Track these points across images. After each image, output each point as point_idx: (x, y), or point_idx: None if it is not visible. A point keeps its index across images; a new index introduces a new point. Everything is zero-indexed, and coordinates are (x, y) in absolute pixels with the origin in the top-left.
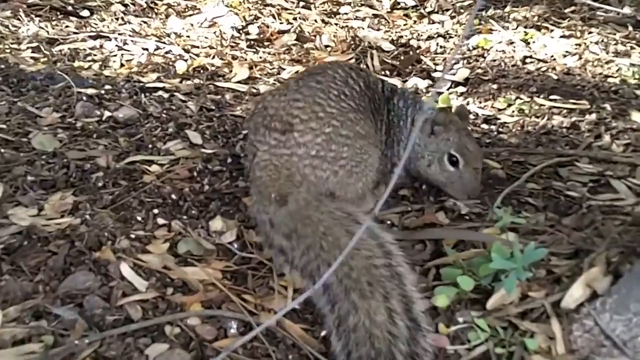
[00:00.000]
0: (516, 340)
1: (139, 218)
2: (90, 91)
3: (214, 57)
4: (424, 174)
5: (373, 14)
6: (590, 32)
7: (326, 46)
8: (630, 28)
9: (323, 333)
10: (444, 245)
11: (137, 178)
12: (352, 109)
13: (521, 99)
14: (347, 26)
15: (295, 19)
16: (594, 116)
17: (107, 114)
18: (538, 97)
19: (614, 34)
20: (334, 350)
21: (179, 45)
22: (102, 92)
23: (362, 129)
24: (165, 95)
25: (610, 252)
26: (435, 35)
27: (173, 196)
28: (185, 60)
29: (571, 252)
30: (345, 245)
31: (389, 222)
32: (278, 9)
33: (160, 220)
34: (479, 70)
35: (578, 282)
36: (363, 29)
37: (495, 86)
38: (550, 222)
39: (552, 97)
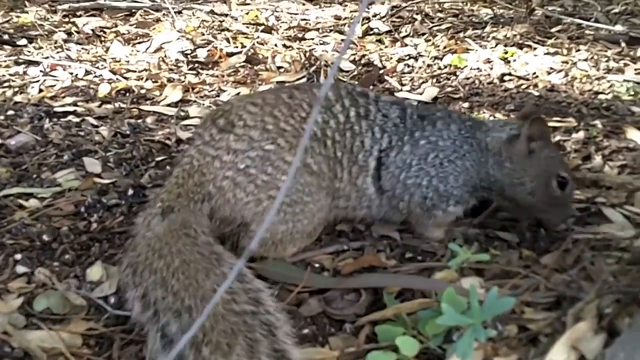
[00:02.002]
0: None
1: None
2: None
3: (146, 80)
4: (522, 203)
5: (342, 39)
6: (578, 50)
7: (279, 67)
8: (624, 44)
9: None
10: (384, 294)
11: (5, 216)
12: (314, 138)
13: (496, 117)
14: (310, 50)
15: (253, 43)
16: (582, 134)
17: None
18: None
19: (605, 51)
20: None
21: (112, 70)
22: (1, 117)
23: (316, 164)
24: (76, 120)
25: (602, 301)
26: (407, 58)
27: (45, 237)
28: (110, 83)
29: (551, 300)
30: (200, 288)
31: (317, 264)
32: (235, 34)
33: (21, 269)
34: (449, 89)
35: (560, 342)
36: (327, 52)
37: (466, 105)
38: (525, 262)
39: None
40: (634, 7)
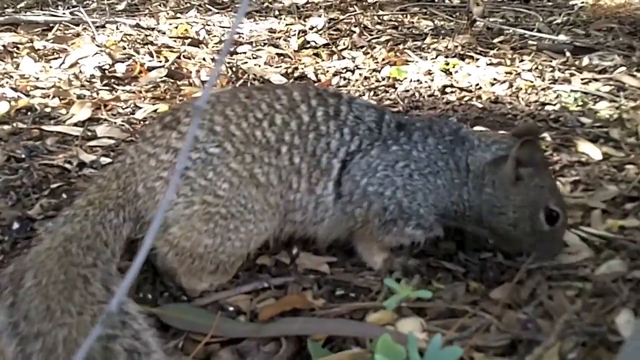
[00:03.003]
0: None
1: None
2: None
3: (52, 98)
4: (503, 234)
5: (277, 53)
6: (522, 60)
7: (203, 82)
8: (568, 54)
9: None
10: (309, 343)
11: None
12: (266, 145)
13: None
14: (239, 63)
15: (179, 57)
16: None
17: None
18: None
19: (550, 61)
20: None
21: (15, 87)
22: None
23: (264, 175)
24: None
25: (564, 344)
26: (343, 70)
27: None
28: (10, 102)
29: (505, 344)
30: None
31: (231, 307)
32: (159, 48)
33: None
34: (388, 102)
35: None
36: (259, 66)
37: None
38: (472, 297)
39: (476, 127)
40: (576, 17)
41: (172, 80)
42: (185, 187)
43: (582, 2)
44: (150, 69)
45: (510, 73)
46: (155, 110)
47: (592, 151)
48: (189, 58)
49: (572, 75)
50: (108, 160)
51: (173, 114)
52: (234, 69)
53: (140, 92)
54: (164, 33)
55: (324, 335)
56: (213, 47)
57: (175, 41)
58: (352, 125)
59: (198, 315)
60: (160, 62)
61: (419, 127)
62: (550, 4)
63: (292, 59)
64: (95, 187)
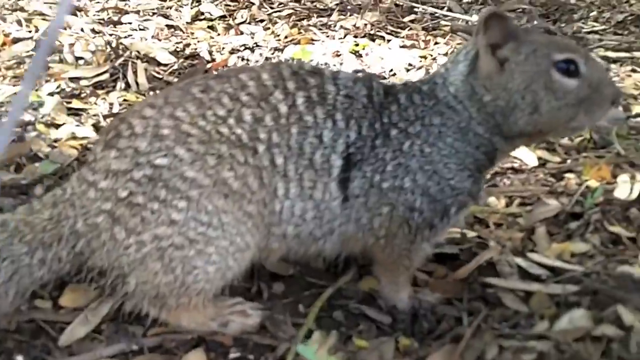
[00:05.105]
0: None
1: None
2: None
3: None
4: (539, 126)
5: (167, 25)
6: (436, 43)
7: (78, 58)
8: None
9: None
10: None
11: None
12: (238, 143)
13: None
14: (119, 37)
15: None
16: None
17: None
18: None
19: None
20: None
21: None
22: None
23: (239, 180)
24: None
25: None
26: (242, 48)
27: None
28: None
29: None
30: None
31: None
32: (30, 15)
33: None
34: None
35: None
36: (145, 39)
37: None
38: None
39: None
40: None
41: None
42: (134, 219)
43: None
44: (16, 40)
45: (425, 57)
46: (15, 93)
47: (526, 156)
48: (65, 28)
49: None
50: None
51: (116, 127)
52: (112, 44)
53: (0, 69)
54: None
55: None
56: (94, 15)
57: (50, 7)
58: (344, 107)
59: None
60: (30, 32)
61: (401, 89)
62: None
63: (183, 32)
64: (24, 208)
